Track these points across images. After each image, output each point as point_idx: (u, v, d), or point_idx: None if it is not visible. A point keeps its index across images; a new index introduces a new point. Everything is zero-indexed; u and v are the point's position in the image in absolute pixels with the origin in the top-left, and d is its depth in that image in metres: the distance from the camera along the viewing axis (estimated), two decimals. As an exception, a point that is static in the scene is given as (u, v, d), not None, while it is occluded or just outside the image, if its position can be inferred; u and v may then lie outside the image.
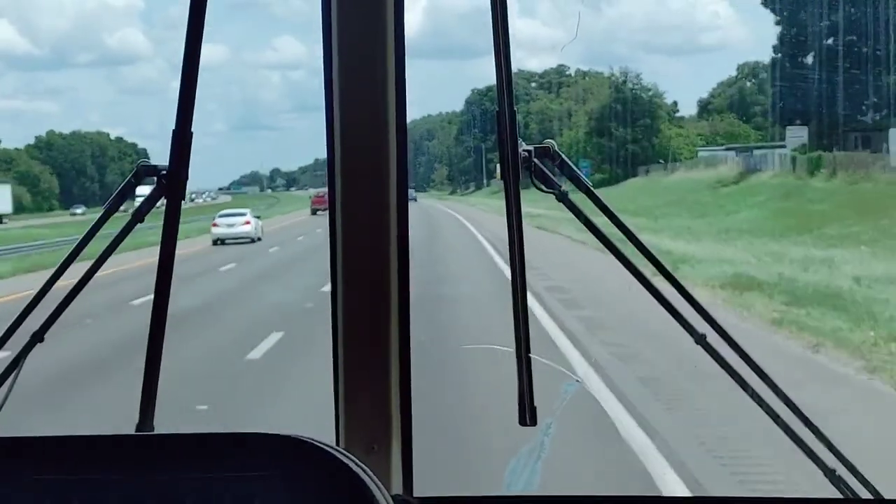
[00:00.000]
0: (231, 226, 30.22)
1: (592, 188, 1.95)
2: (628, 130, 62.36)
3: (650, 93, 72.75)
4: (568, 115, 76.69)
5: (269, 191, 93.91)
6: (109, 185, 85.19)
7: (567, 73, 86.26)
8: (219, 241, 29.02)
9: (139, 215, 2.06)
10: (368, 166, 2.04)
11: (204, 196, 66.28)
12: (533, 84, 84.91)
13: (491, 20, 1.91)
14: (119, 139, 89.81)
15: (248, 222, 30.69)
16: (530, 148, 1.98)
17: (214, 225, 30.09)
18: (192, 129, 2.00)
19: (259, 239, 30.37)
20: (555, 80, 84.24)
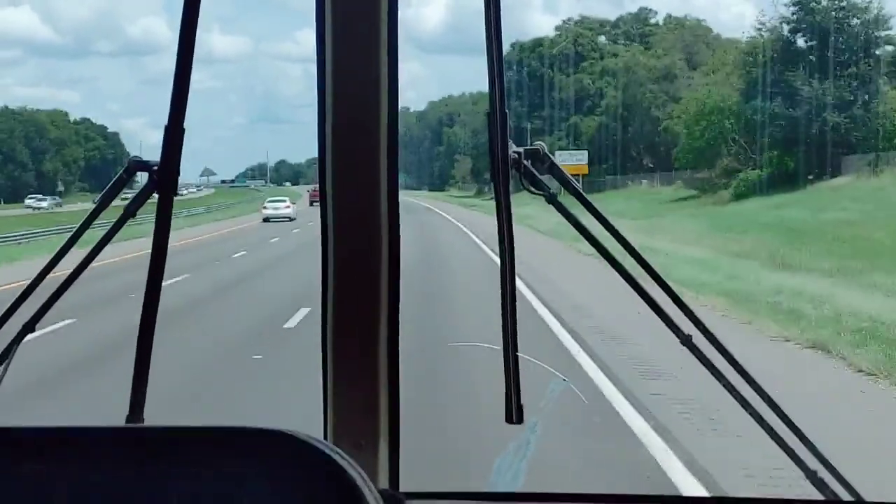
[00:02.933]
0: (276, 209, 50.08)
1: (581, 190, 2.31)
2: (828, 86, 38.89)
3: (866, 15, 41.05)
4: (667, 76, 60.99)
5: (252, 184, 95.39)
6: (48, 176, 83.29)
7: (653, 20, 72.90)
8: (267, 220, 48.03)
9: (131, 210, 2.40)
10: (359, 158, 2.41)
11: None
12: (602, 37, 72.59)
13: (484, 20, 2.25)
14: (85, 120, 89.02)
15: (288, 206, 50.75)
16: (520, 150, 2.33)
17: (264, 208, 50.75)
18: (185, 126, 2.33)
19: (294, 219, 47.89)
20: (636, 31, 70.72)
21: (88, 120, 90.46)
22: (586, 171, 57.21)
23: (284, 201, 52.53)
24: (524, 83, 71.60)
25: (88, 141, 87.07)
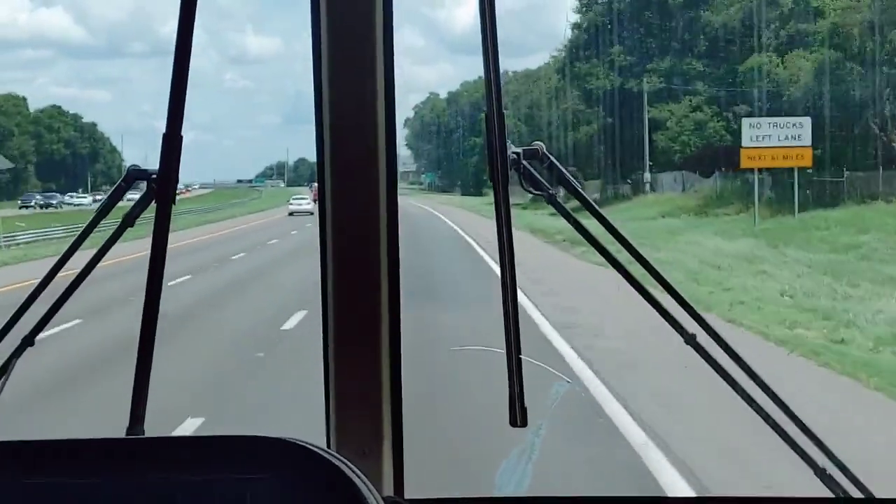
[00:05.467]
0: (300, 204, 64.74)
1: (581, 190, 2.69)
2: None
3: None
4: None
5: (267, 184, 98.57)
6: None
7: None
8: (292, 213, 62.02)
9: (129, 219, 2.76)
10: (357, 158, 2.79)
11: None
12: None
13: (479, 21, 2.62)
14: (54, 108, 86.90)
15: (309, 203, 63.16)
16: (519, 150, 2.69)
17: (289, 203, 66.29)
18: (182, 133, 2.76)
19: (313, 213, 54.04)
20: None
21: (58, 107, 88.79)
22: (810, 163, 36.48)
23: (306, 199, 66.83)
24: (610, 24, 50.59)
25: (52, 132, 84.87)
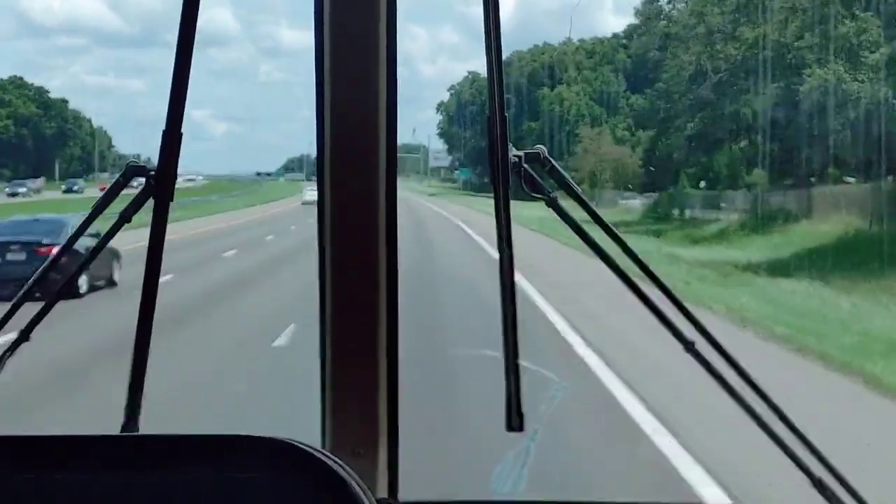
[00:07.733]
0: (313, 195, 65.59)
1: (582, 193, 3.00)
2: None
3: None
4: None
5: (284, 177, 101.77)
6: None
7: None
8: (306, 202, 64.81)
9: (126, 215, 3.08)
10: (358, 158, 3.12)
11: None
12: None
13: (483, 23, 2.96)
14: (13, 78, 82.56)
15: None
16: (520, 153, 3.02)
17: (304, 193, 69.24)
18: (183, 130, 3.05)
19: None
20: None
21: (19, 77, 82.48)
22: None
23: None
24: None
25: (2, 105, 77.24)
